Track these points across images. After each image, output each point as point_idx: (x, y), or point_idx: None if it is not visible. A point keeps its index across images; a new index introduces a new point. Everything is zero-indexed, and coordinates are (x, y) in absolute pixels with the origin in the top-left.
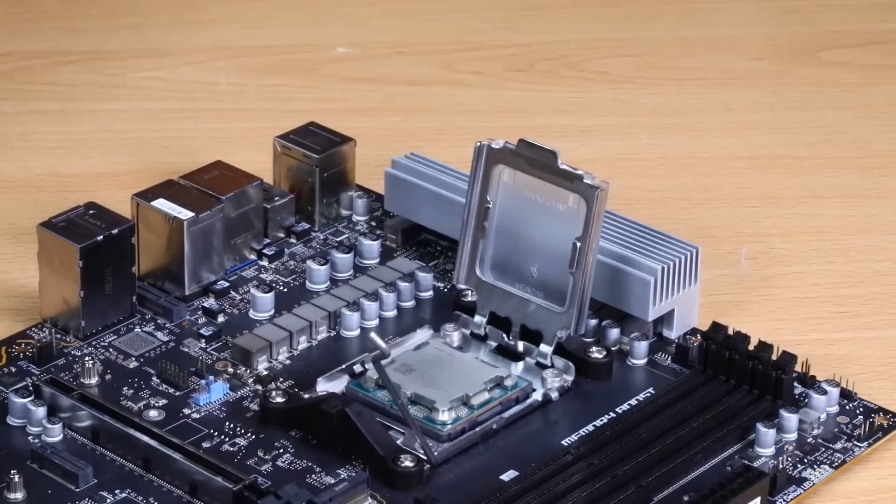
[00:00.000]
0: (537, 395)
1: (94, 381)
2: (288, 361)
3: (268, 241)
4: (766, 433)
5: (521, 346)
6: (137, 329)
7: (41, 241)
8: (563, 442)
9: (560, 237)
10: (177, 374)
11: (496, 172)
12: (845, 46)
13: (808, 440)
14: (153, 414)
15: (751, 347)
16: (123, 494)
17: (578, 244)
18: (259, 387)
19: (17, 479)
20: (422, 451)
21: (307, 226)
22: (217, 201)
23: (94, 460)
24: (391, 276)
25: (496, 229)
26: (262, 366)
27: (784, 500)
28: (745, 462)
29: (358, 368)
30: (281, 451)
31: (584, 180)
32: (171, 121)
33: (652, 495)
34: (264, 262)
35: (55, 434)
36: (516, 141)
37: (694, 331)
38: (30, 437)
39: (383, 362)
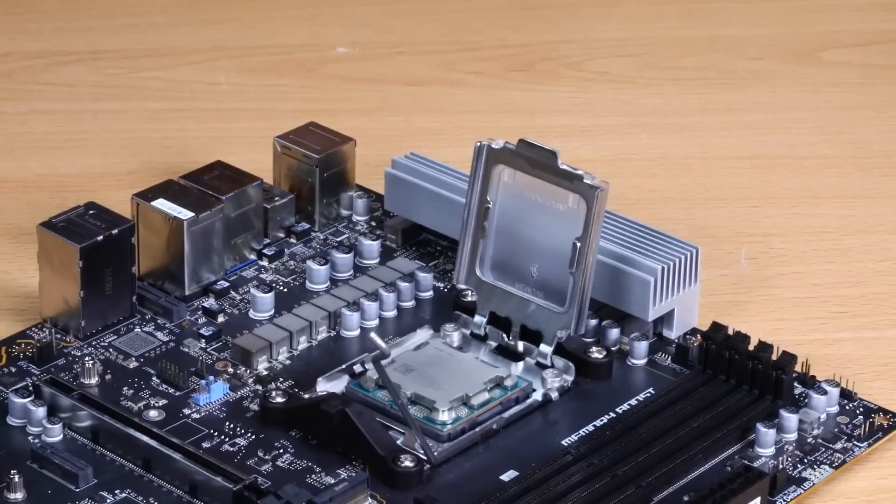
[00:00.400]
0: (537, 395)
1: (94, 381)
2: (288, 361)
3: (268, 241)
4: (766, 433)
5: (521, 346)
6: (137, 329)
7: (41, 241)
8: (563, 442)
9: (560, 237)
10: (177, 374)
11: (496, 172)
12: (845, 46)
13: (808, 440)
14: (153, 414)
15: (751, 347)
16: (123, 494)
17: (578, 244)
18: (259, 387)
19: (17, 479)
20: (422, 451)
21: (307, 226)
22: (217, 201)
23: (94, 460)
24: (391, 276)
25: (496, 229)
26: (262, 366)
27: (784, 500)
28: (745, 462)
29: (358, 368)
30: (281, 451)
31: (584, 180)
32: (171, 121)
33: (652, 495)
34: (264, 262)
35: (55, 434)
36: (516, 141)
37: (694, 331)
38: (30, 437)
39: (383, 362)
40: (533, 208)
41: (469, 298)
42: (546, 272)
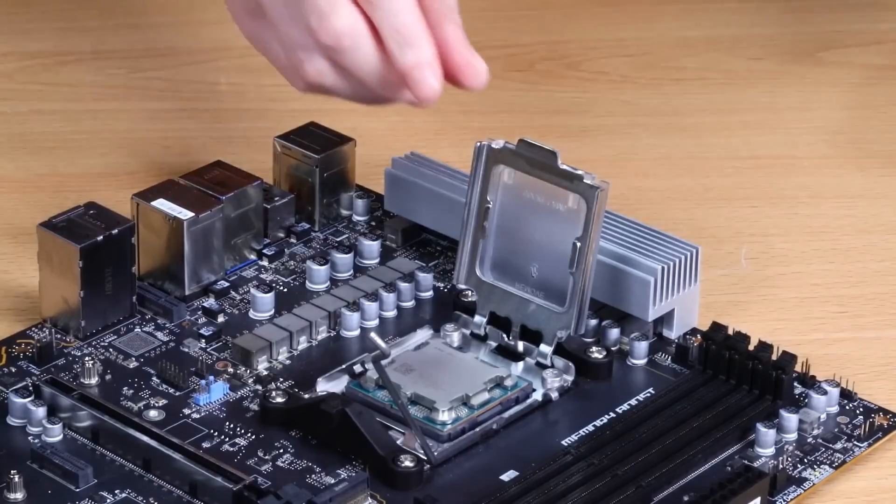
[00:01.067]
0: (537, 395)
1: (94, 381)
2: (288, 361)
3: (268, 241)
4: (766, 433)
5: (521, 346)
6: (137, 329)
7: (41, 241)
8: (563, 442)
9: (560, 237)
10: (177, 374)
11: (496, 172)
12: (845, 46)
13: (808, 440)
14: (153, 414)
15: (751, 347)
16: (123, 494)
17: (578, 244)
18: (259, 387)
19: (17, 479)
20: (422, 451)
21: (307, 226)
22: (217, 201)
23: (94, 460)
24: (391, 276)
25: (496, 229)
26: (262, 366)
27: (784, 500)
28: (745, 462)
29: (358, 368)
30: (281, 451)
31: (584, 180)
32: (171, 121)
33: (652, 495)
34: (264, 262)
35: (55, 434)
36: (516, 141)
37: (694, 331)
38: (30, 437)
39: (383, 362)
40: (533, 208)
41: (469, 298)
42: (546, 272)
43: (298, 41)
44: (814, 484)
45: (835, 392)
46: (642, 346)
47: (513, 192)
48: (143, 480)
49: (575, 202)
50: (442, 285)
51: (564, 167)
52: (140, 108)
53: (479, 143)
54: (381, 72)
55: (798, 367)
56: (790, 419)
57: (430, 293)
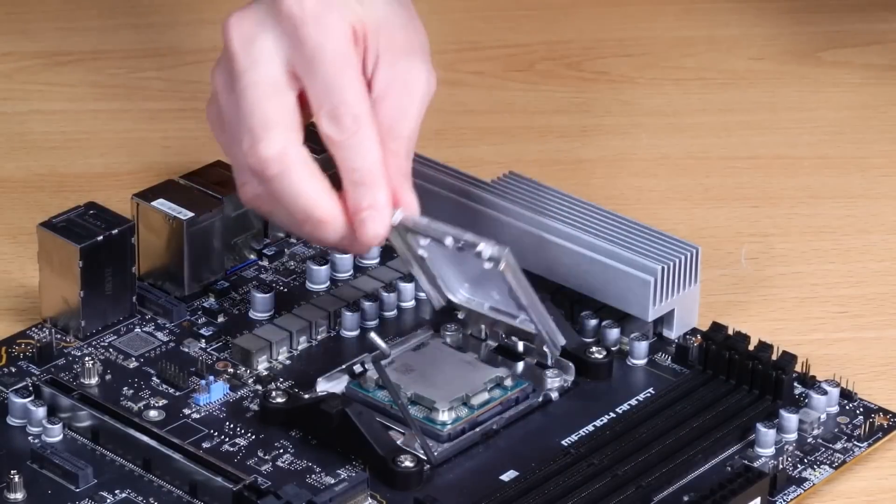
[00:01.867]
0: (537, 396)
1: (94, 381)
2: (288, 361)
3: (268, 241)
4: (766, 433)
5: (521, 345)
6: (137, 329)
7: (41, 241)
8: (563, 442)
9: (498, 276)
10: (177, 374)
11: (411, 237)
12: (845, 46)
13: (808, 440)
14: (153, 414)
15: (751, 347)
16: (123, 494)
17: (513, 295)
18: (259, 387)
19: (17, 479)
20: (422, 451)
21: None
22: (217, 201)
23: (94, 460)
24: (391, 276)
25: (444, 265)
26: (262, 366)
27: (784, 500)
28: (745, 462)
29: (358, 368)
30: (281, 451)
31: (482, 256)
32: (171, 121)
33: (652, 495)
34: (264, 262)
35: (55, 434)
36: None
37: (694, 331)
38: (30, 437)
39: (383, 362)
40: (462, 257)
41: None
42: (505, 295)
43: (240, 161)
44: (814, 484)
45: (835, 392)
46: (642, 346)
47: (437, 246)
48: (143, 480)
49: (490, 264)
50: None
51: (459, 244)
52: (140, 108)
53: None
54: (305, 209)
55: (798, 367)
56: (790, 419)
57: None
